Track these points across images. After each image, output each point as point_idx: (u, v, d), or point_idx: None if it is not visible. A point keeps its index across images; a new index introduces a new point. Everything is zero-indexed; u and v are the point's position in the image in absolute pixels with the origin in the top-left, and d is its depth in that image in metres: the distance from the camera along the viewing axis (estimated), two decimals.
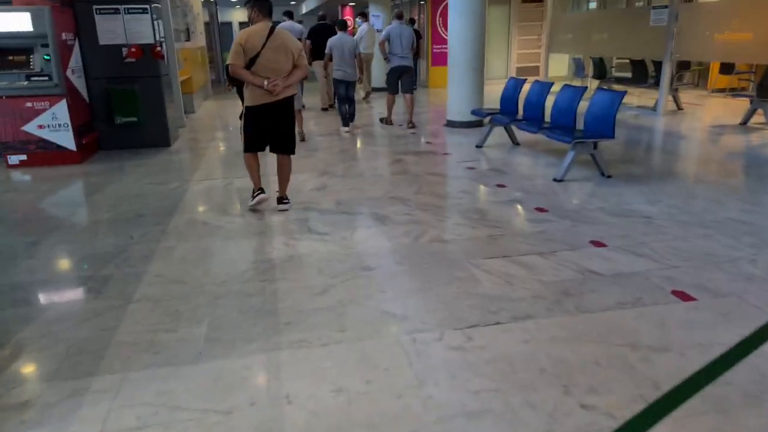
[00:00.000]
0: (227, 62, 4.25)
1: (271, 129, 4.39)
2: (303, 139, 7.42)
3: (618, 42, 9.96)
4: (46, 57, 6.04)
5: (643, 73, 10.07)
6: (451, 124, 8.51)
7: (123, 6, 6.89)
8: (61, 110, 6.19)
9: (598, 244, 3.67)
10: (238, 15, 25.25)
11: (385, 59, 8.36)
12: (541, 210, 4.39)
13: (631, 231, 3.88)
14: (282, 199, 4.62)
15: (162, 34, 7.53)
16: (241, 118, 4.57)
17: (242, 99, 4.45)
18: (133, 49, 6.95)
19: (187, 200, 4.97)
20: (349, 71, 7.88)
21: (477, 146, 6.84)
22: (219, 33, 18.68)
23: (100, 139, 7.16)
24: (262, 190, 4.58)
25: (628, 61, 10.72)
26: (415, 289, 3.11)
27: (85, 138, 6.61)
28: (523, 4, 14.61)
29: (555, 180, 5.16)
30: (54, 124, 6.22)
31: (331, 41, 7.88)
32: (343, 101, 8.05)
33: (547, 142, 6.34)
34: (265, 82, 4.15)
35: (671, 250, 3.52)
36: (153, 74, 7.20)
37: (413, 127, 8.23)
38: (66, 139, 6.29)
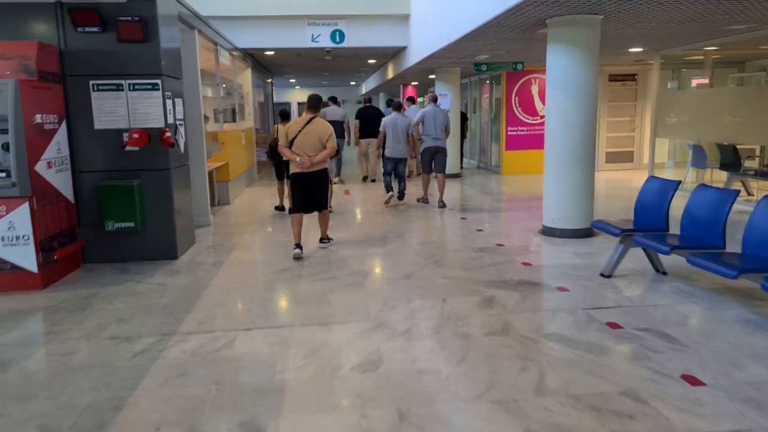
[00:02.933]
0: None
1: (310, 193, 5.75)
2: (331, 210, 6.97)
3: (760, 127, 7.68)
4: (2, 147, 4.47)
5: None
6: (548, 232, 6.36)
7: (128, 81, 5.39)
8: (20, 218, 4.52)
9: None
10: (297, 95, 24.78)
11: (418, 140, 8.55)
12: None
13: None
14: (323, 239, 6.10)
15: (180, 116, 5.98)
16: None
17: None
18: (135, 135, 5.36)
19: (141, 395, 2.97)
20: (400, 149, 8.39)
21: (603, 275, 4.63)
22: (274, 113, 17.75)
23: (85, 251, 5.47)
24: (300, 247, 5.69)
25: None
26: None
27: (59, 252, 4.91)
28: (611, 83, 12.67)
29: None
30: (10, 236, 4.54)
31: (385, 121, 8.45)
32: (389, 175, 8.60)
33: (698, 270, 4.05)
34: (297, 159, 5.58)
35: None
36: (160, 166, 5.56)
37: (444, 206, 8.34)
38: (24, 257, 4.58)
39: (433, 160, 8.32)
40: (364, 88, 22.55)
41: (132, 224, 5.45)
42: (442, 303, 4.12)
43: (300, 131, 5.58)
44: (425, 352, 3.27)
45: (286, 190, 7.42)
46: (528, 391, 2.73)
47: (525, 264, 5.21)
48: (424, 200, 8.68)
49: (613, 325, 3.54)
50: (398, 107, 8.64)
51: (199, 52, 7.15)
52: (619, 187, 9.93)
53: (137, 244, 5.60)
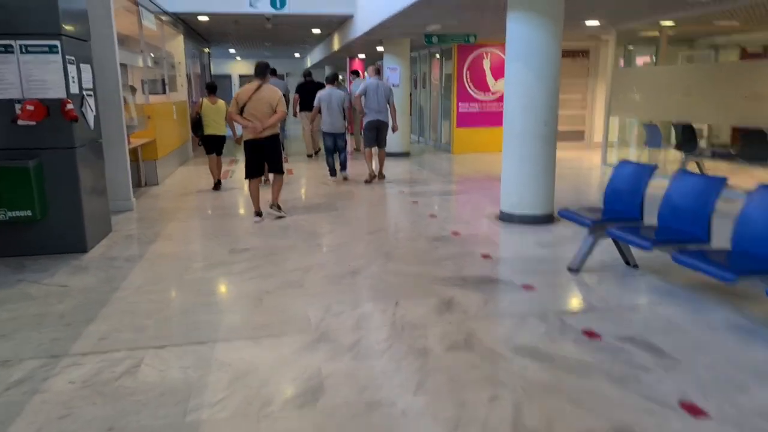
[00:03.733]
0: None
1: (263, 158, 5.93)
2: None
3: (724, 106, 7.48)
4: None
5: (761, 148, 7.52)
6: (507, 217, 5.91)
7: (18, 42, 4.47)
8: None
9: None
10: (238, 67, 23.41)
11: (360, 113, 8.36)
12: None
13: None
14: (273, 206, 6.07)
15: (88, 85, 5.08)
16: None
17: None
18: (29, 107, 4.46)
19: None
20: (337, 124, 8.17)
21: (570, 269, 4.21)
22: None
23: None
24: (260, 214, 6.00)
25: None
26: None
27: None
28: (564, 59, 12.35)
29: None
30: None
31: (320, 94, 8.18)
32: (330, 153, 8.39)
33: (669, 261, 3.68)
34: (249, 125, 5.76)
35: None
36: (63, 144, 4.69)
37: (383, 177, 8.40)
38: None
39: (378, 133, 8.14)
40: (309, 61, 21.50)
41: (29, 212, 4.60)
42: (395, 307, 3.57)
43: (250, 98, 5.71)
44: (376, 375, 2.71)
45: (223, 165, 7.76)
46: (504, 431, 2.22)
47: (485, 256, 4.73)
48: (371, 177, 8.30)
49: (591, 334, 3.10)
50: (333, 80, 8.39)
51: (113, 11, 6.18)
52: (572, 167, 9.66)
53: (37, 236, 4.75)
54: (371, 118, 8.07)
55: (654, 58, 12.05)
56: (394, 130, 8.54)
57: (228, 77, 23.66)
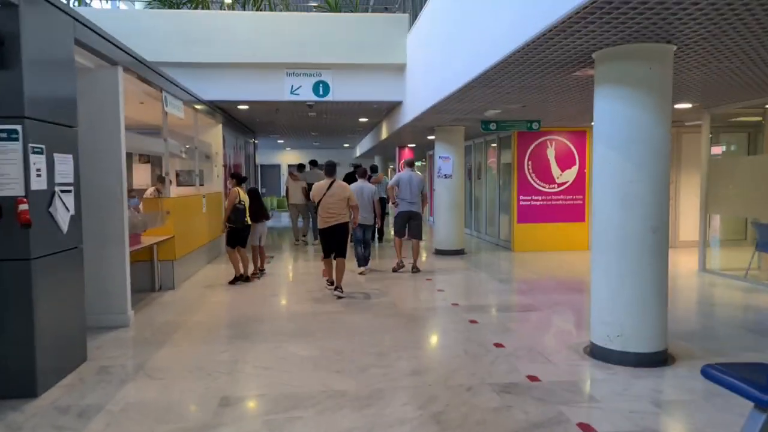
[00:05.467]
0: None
1: (332, 242, 6.75)
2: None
3: None
4: None
5: None
6: (601, 354, 4.33)
7: None
8: None
9: None
10: (287, 157, 23.26)
11: (393, 204, 8.46)
12: None
13: None
14: (337, 288, 6.70)
15: (67, 179, 4.10)
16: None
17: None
18: None
19: None
20: (367, 216, 8.07)
21: None
22: (257, 175, 16.06)
23: None
24: (332, 282, 6.89)
25: None
26: None
27: None
28: None
29: None
30: None
31: (352, 188, 7.68)
32: (360, 244, 8.33)
33: None
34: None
35: None
36: (12, 255, 3.62)
37: (417, 271, 8.27)
38: None
39: (407, 224, 8.26)
40: (358, 151, 21.06)
41: None
42: None
43: (324, 194, 6.68)
44: None
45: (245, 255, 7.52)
46: None
47: (583, 427, 3.16)
48: (399, 266, 8.35)
49: None
50: (363, 174, 8.44)
51: (122, 95, 5.39)
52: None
53: None
54: (403, 209, 8.27)
55: (728, 146, 10.52)
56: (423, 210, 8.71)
57: (277, 167, 23.52)
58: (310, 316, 5.73)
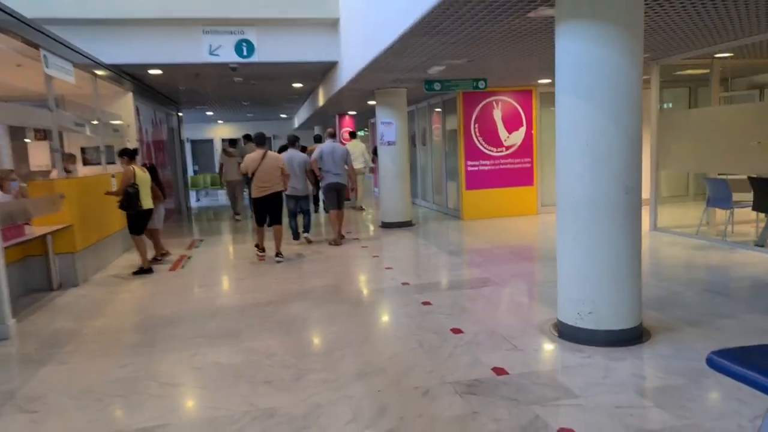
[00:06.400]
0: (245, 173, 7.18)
1: (267, 211, 7.08)
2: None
3: None
4: None
5: None
6: (569, 333, 3.77)
7: None
8: None
9: None
10: (220, 131, 21.81)
11: (317, 177, 8.26)
12: None
13: None
14: (278, 254, 7.06)
15: None
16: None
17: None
18: None
19: None
20: (299, 187, 8.07)
21: None
22: (182, 151, 14.76)
23: None
24: (263, 250, 7.26)
25: None
26: None
27: None
28: None
29: None
30: None
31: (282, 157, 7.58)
32: (293, 216, 8.36)
33: None
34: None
35: None
36: None
37: (342, 237, 8.23)
38: None
39: (338, 195, 8.15)
40: (297, 121, 19.93)
41: None
42: None
43: (258, 165, 6.86)
44: None
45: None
46: None
47: None
48: (336, 240, 8.12)
49: None
50: (293, 143, 8.27)
51: None
52: None
53: None
54: (330, 180, 8.06)
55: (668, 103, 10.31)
56: (351, 190, 9.03)
57: (210, 141, 22.02)
58: (237, 311, 4.91)
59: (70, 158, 7.75)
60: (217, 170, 13.95)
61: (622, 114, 3.54)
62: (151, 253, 7.09)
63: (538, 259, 6.59)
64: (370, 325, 4.40)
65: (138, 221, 6.56)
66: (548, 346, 3.75)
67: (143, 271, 6.54)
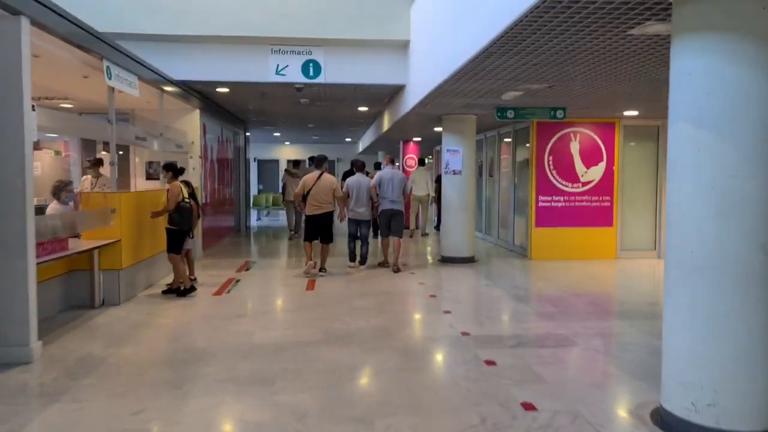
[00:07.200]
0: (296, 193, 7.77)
1: (318, 229, 7.59)
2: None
3: None
4: None
5: None
6: (680, 427, 2.96)
7: None
8: None
9: None
10: (285, 152, 21.97)
11: (375, 203, 8.17)
12: None
13: None
14: (322, 269, 7.59)
15: None
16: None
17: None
18: None
19: None
20: (362, 211, 8.07)
21: None
22: (246, 170, 14.76)
23: None
24: (315, 263, 7.50)
25: None
26: None
27: None
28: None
29: None
30: None
31: (349, 181, 8.11)
32: (352, 239, 8.32)
33: None
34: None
35: None
36: None
37: (398, 270, 7.93)
38: None
39: (389, 223, 8.10)
40: (361, 146, 19.72)
41: None
42: None
43: (313, 185, 7.47)
44: None
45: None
46: None
47: None
48: (384, 264, 8.26)
49: None
50: (361, 168, 8.30)
51: (29, 58, 4.07)
52: None
53: None
54: (384, 207, 8.07)
55: None
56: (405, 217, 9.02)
57: (275, 162, 22.21)
58: (276, 350, 4.39)
59: (95, 164, 7.62)
60: (280, 190, 13.90)
61: (762, 151, 2.77)
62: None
63: (625, 314, 5.71)
64: (423, 387, 3.73)
65: (180, 240, 6.26)
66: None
67: (179, 291, 6.18)
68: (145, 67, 6.60)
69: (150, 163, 9.30)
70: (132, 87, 6.13)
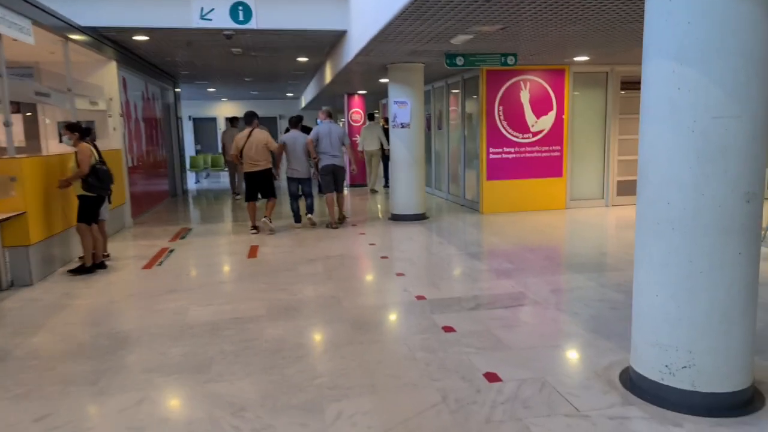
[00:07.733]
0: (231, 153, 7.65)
1: (258, 186, 7.54)
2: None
3: None
4: None
5: None
6: (650, 391, 2.73)
7: None
8: None
9: None
10: (224, 109, 20.76)
11: (313, 158, 7.86)
12: None
13: None
14: (268, 220, 7.47)
15: None
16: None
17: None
18: None
19: None
20: (301, 169, 7.85)
21: None
22: (180, 130, 13.76)
23: None
24: (256, 228, 7.51)
25: None
26: None
27: None
28: (625, 90, 9.44)
29: None
30: None
31: (284, 138, 7.90)
32: (294, 199, 8.09)
33: None
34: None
35: None
36: None
37: (336, 227, 7.86)
38: None
39: (334, 178, 7.89)
40: (304, 101, 18.81)
41: None
42: None
43: (246, 142, 7.40)
44: None
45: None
46: None
47: None
48: (333, 223, 7.96)
49: None
50: (296, 123, 8.02)
51: None
52: None
53: None
54: (326, 162, 7.81)
55: None
56: (353, 171, 9.55)
57: (213, 120, 20.98)
58: (211, 330, 3.92)
59: (71, 128, 6.73)
60: (219, 150, 13.05)
61: (750, 89, 2.47)
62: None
63: (581, 267, 5.55)
64: (377, 363, 3.37)
65: (94, 208, 5.57)
66: (622, 411, 2.71)
67: (84, 269, 5.52)
68: (41, 9, 5.69)
69: (63, 124, 8.33)
70: (25, 33, 5.25)
